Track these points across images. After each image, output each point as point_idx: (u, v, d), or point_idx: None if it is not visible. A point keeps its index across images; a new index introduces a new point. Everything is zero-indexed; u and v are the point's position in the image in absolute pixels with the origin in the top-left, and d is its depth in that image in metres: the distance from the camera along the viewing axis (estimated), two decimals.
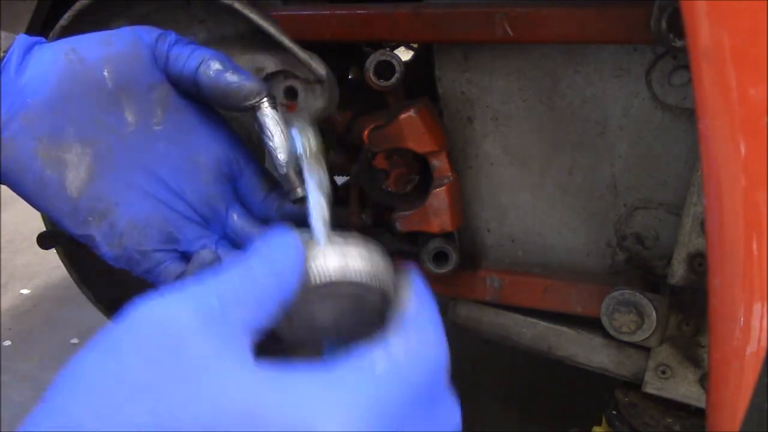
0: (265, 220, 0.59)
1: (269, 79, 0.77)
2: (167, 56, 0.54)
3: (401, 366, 0.32)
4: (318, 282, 0.38)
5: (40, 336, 1.99)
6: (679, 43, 0.66)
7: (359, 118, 0.94)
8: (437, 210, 0.84)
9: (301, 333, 0.39)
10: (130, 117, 0.54)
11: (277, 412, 0.29)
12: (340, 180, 1.14)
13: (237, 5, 0.72)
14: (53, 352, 1.89)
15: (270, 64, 0.76)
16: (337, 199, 1.12)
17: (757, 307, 0.53)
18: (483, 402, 1.63)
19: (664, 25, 0.66)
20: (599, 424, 0.94)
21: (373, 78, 0.82)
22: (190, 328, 0.30)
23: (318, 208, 0.47)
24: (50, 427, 0.28)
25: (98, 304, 1.05)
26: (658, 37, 0.68)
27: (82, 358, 0.30)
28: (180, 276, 0.55)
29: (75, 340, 1.95)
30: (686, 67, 0.77)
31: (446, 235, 0.89)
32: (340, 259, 0.38)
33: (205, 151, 0.57)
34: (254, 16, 0.72)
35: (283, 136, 0.54)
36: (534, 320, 0.93)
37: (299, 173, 0.54)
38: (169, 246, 0.55)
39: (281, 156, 0.54)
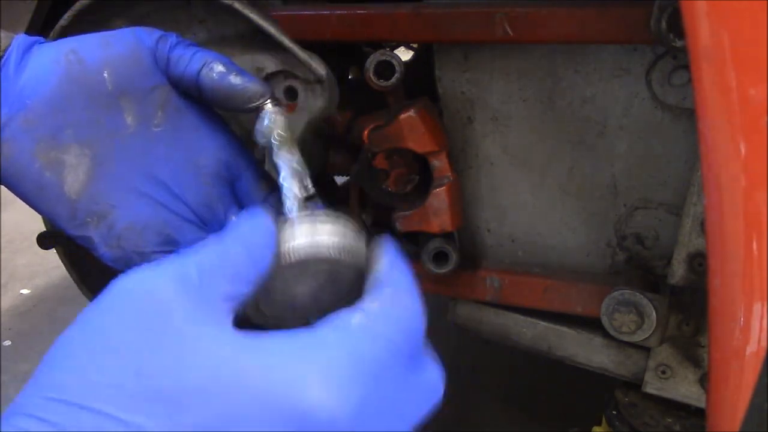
0: None
1: (269, 79, 0.77)
2: (168, 58, 0.54)
3: (376, 321, 0.33)
4: (290, 260, 0.39)
5: (40, 336, 1.99)
6: (679, 43, 0.66)
7: (359, 118, 0.94)
8: (437, 210, 0.84)
9: (282, 310, 0.40)
10: (129, 119, 0.54)
11: (257, 373, 0.29)
12: (340, 180, 1.14)
13: (237, 5, 0.72)
14: None
15: (270, 64, 0.76)
16: (337, 199, 1.12)
17: (757, 307, 0.53)
18: (483, 402, 1.63)
19: (664, 25, 0.66)
20: (599, 424, 0.94)
21: (373, 78, 0.82)
22: (170, 297, 0.31)
23: (289, 189, 0.48)
24: (39, 396, 0.29)
25: None
26: (658, 37, 0.68)
27: (69, 330, 0.31)
28: None
29: None
30: (686, 67, 0.77)
31: (446, 235, 0.89)
32: (310, 236, 0.39)
33: (204, 152, 0.57)
34: (254, 16, 0.72)
35: (286, 137, 0.55)
36: (534, 320, 0.93)
37: (295, 177, 0.55)
38: (167, 248, 0.55)
39: (281, 156, 0.54)
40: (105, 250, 0.54)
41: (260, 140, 0.54)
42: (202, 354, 0.30)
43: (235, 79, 0.54)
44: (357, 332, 0.32)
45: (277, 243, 0.39)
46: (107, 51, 0.52)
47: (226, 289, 0.34)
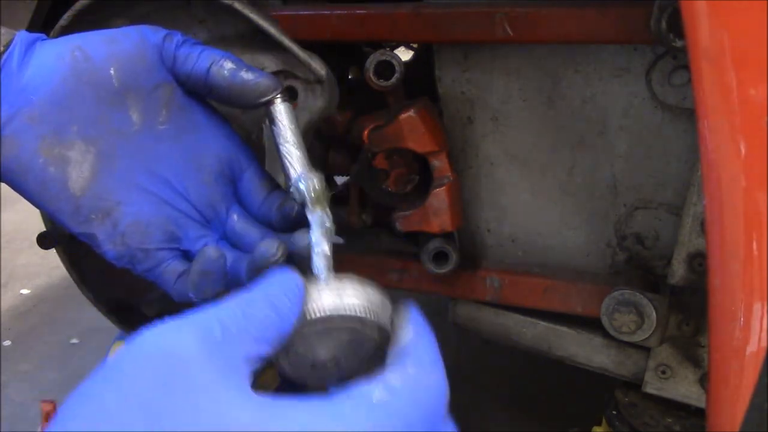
0: (264, 221, 0.59)
1: None
2: (175, 56, 0.54)
3: (398, 396, 0.32)
4: (313, 317, 0.39)
5: (40, 336, 1.99)
6: (679, 43, 0.66)
7: (359, 118, 0.94)
8: (437, 210, 0.84)
9: (302, 370, 0.40)
10: (134, 116, 0.54)
11: None
12: (340, 180, 1.14)
13: (237, 5, 0.72)
14: (53, 352, 1.89)
15: (270, 64, 0.76)
16: (338, 199, 1.12)
17: (757, 307, 0.53)
18: (483, 402, 1.63)
19: (664, 25, 0.66)
20: (599, 424, 0.94)
21: (373, 78, 0.82)
22: (193, 355, 0.31)
23: (320, 251, 0.48)
24: None
25: (98, 305, 1.05)
26: (658, 37, 0.68)
27: (90, 380, 0.31)
28: (182, 275, 0.55)
29: (75, 340, 1.95)
30: (686, 67, 0.77)
31: (446, 235, 0.89)
32: (335, 295, 0.40)
33: (208, 150, 0.57)
34: (254, 16, 0.72)
35: (296, 131, 0.55)
36: (534, 320, 0.93)
37: (306, 171, 0.55)
38: (171, 245, 0.55)
39: (292, 149, 0.55)
40: (109, 247, 0.54)
41: (295, 195, 0.54)
42: (217, 416, 0.29)
43: (247, 75, 0.54)
44: (376, 409, 0.31)
45: (303, 302, 0.39)
46: (114, 48, 0.52)
47: (249, 349, 0.33)
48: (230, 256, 0.55)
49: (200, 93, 0.56)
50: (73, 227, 0.54)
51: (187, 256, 0.56)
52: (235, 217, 0.58)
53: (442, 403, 0.35)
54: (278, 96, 0.55)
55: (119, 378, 0.30)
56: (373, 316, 0.40)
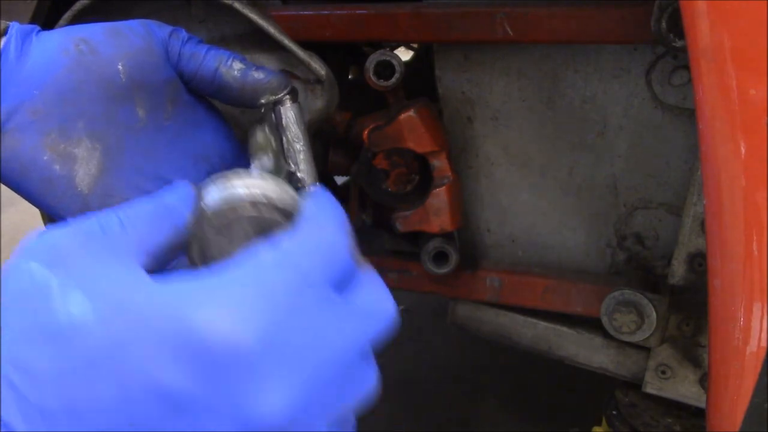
0: None
1: None
2: (180, 53, 0.54)
3: (288, 253, 0.32)
4: (208, 213, 0.39)
5: None
6: (679, 43, 0.66)
7: (359, 118, 0.94)
8: (437, 210, 0.84)
9: (213, 264, 0.40)
10: (141, 112, 0.53)
11: (148, 302, 0.28)
12: (340, 180, 1.14)
13: (237, 5, 0.72)
14: None
15: (270, 64, 0.76)
16: (338, 199, 1.12)
17: (757, 307, 0.53)
18: (483, 402, 1.63)
19: (664, 25, 0.66)
20: (599, 424, 0.94)
21: (373, 78, 0.82)
22: (75, 244, 0.31)
23: (260, 161, 0.49)
24: None
25: None
26: (658, 37, 0.68)
27: None
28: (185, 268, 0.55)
29: None
30: (686, 67, 0.77)
31: (446, 235, 0.89)
32: (224, 190, 0.39)
33: (211, 147, 0.57)
34: (254, 16, 0.72)
35: (305, 131, 0.55)
36: (534, 320, 0.93)
37: (312, 168, 0.55)
38: None
39: (300, 148, 0.55)
40: None
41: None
42: (98, 286, 0.29)
43: (257, 74, 0.54)
44: (264, 265, 0.31)
45: (198, 201, 0.39)
46: (121, 41, 0.51)
47: (132, 238, 0.33)
48: None
49: (205, 92, 0.56)
50: None
51: None
52: None
53: (343, 253, 0.34)
54: (288, 95, 0.56)
55: (5, 279, 0.30)
56: (264, 199, 0.39)
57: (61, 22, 0.77)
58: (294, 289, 0.30)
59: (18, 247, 0.32)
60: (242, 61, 0.55)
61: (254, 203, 0.39)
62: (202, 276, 0.30)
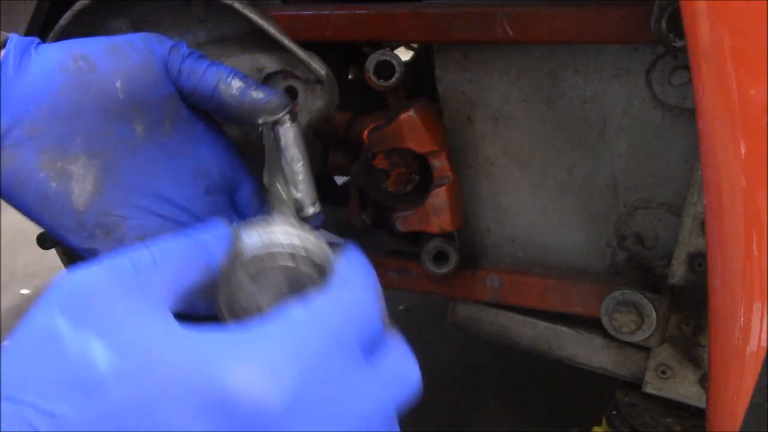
0: None
1: (269, 79, 0.77)
2: (180, 70, 0.53)
3: (319, 313, 0.32)
4: (244, 258, 0.38)
5: None
6: (679, 43, 0.66)
7: (359, 118, 0.94)
8: (437, 210, 0.84)
9: (243, 313, 0.39)
10: (139, 129, 0.52)
11: (181, 358, 0.28)
12: (340, 180, 1.14)
13: (237, 5, 0.72)
14: None
15: (270, 64, 0.76)
16: (338, 199, 1.12)
17: (757, 307, 0.53)
18: (483, 402, 1.63)
19: (664, 25, 0.66)
20: (599, 424, 0.94)
21: (373, 78, 0.82)
22: (104, 287, 0.30)
23: (279, 192, 0.49)
24: None
25: None
26: (658, 37, 0.68)
27: (16, 330, 0.30)
28: None
29: None
30: (686, 67, 0.77)
31: (446, 235, 0.89)
32: (263, 234, 0.39)
33: (209, 162, 0.57)
34: (254, 16, 0.72)
35: (305, 153, 0.55)
36: (534, 320, 0.93)
37: (311, 190, 0.55)
38: None
39: (298, 170, 0.55)
40: None
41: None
42: (127, 336, 0.29)
43: (257, 94, 0.54)
44: (296, 324, 0.30)
45: (234, 242, 0.38)
46: (119, 58, 0.51)
47: (168, 279, 0.33)
48: None
49: (205, 108, 0.56)
50: (75, 243, 0.52)
51: None
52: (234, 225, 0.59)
53: (373, 315, 0.34)
54: (287, 115, 0.55)
55: (33, 317, 0.30)
56: (305, 255, 0.39)
57: (61, 22, 0.77)
58: (324, 350, 0.30)
59: (46, 288, 0.31)
60: (242, 78, 0.54)
61: (293, 254, 0.39)
62: (232, 330, 0.30)
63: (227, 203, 0.58)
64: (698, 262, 0.75)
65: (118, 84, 0.50)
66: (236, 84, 0.53)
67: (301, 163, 0.55)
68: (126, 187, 0.53)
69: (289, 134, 0.55)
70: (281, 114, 0.54)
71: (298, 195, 0.55)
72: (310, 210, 0.56)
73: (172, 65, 0.53)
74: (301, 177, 0.55)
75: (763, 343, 0.54)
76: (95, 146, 0.51)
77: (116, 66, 0.51)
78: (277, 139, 0.55)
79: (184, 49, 0.54)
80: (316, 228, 0.56)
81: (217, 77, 0.53)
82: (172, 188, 0.55)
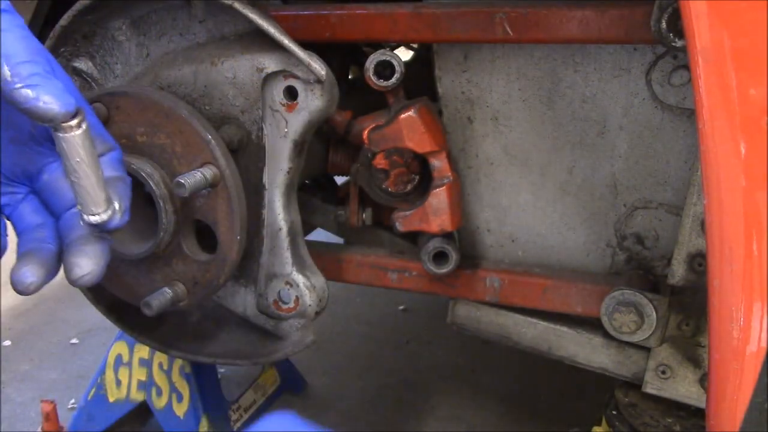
0: None
1: (269, 79, 0.77)
2: None
3: None
4: None
5: (40, 336, 1.99)
6: (679, 43, 0.66)
7: (359, 118, 0.94)
8: (437, 210, 0.84)
9: None
10: None
11: None
12: (340, 180, 1.14)
13: (237, 5, 0.72)
14: (53, 351, 1.90)
15: (270, 64, 0.76)
16: (338, 199, 1.12)
17: (757, 307, 0.53)
18: (483, 402, 1.63)
19: (664, 25, 0.66)
20: (599, 424, 0.94)
21: (373, 78, 0.82)
22: None
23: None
24: None
25: (98, 305, 1.05)
26: (658, 37, 0.68)
27: None
28: None
29: (75, 340, 1.95)
30: (686, 67, 0.77)
31: (446, 235, 0.89)
32: None
33: (19, 120, 0.56)
34: (254, 16, 0.72)
35: (91, 161, 0.53)
36: (534, 320, 0.93)
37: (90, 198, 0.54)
38: None
39: (73, 179, 0.53)
40: None
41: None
42: None
43: (33, 94, 0.50)
44: None
45: None
46: None
47: None
48: (36, 220, 0.57)
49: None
50: None
51: None
52: (46, 176, 0.59)
53: None
54: (70, 122, 0.50)
55: None
56: None
57: (62, 22, 0.77)
58: None
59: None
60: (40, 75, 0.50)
61: None
62: None
63: (45, 151, 0.59)
64: (698, 262, 0.75)
65: None
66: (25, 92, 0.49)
67: (75, 175, 0.52)
68: None
69: (62, 145, 0.51)
70: (57, 122, 0.50)
71: (78, 208, 0.54)
72: (93, 219, 0.54)
73: None
74: (75, 189, 0.53)
75: (763, 343, 0.54)
76: None
77: None
78: (58, 148, 0.52)
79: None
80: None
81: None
82: None
